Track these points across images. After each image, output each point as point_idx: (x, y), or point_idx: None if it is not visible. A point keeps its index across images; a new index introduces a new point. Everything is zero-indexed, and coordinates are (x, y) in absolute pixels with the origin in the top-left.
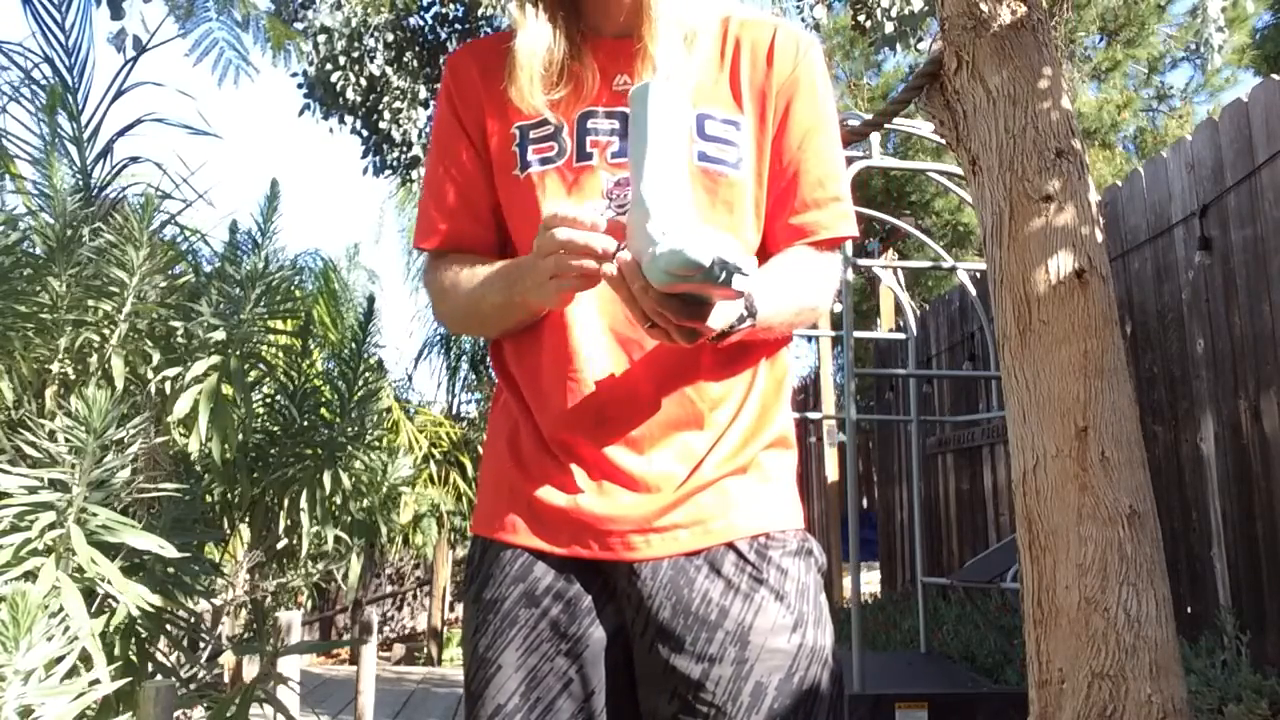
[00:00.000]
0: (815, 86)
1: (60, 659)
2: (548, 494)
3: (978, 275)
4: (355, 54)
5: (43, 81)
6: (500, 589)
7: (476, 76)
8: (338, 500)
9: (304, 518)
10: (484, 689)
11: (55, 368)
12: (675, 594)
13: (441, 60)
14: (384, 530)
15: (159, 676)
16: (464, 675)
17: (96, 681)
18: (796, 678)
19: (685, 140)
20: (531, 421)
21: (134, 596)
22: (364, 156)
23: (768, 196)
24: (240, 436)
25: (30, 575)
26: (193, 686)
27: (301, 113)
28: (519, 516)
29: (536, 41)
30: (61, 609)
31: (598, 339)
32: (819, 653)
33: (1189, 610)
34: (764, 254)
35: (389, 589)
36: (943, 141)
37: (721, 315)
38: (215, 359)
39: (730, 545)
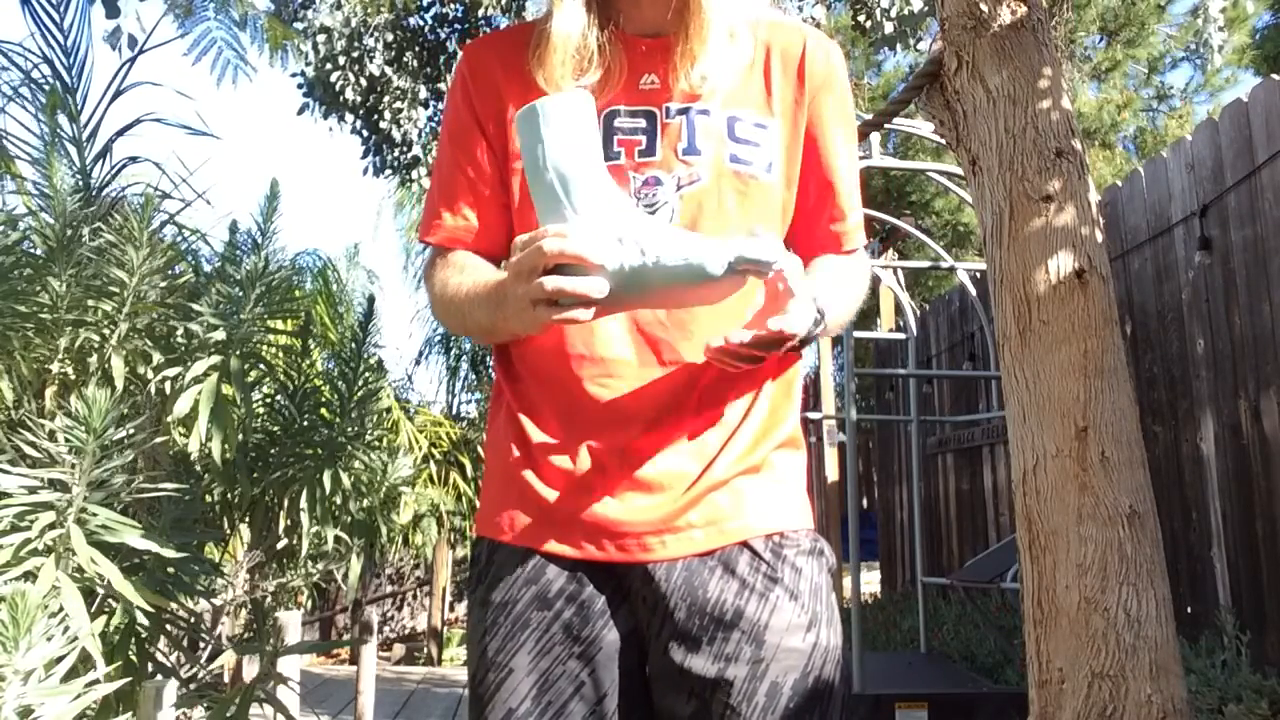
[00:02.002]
0: (845, 95)
1: (60, 659)
2: (560, 496)
3: (978, 275)
4: (355, 54)
5: (42, 82)
6: (511, 591)
7: (496, 67)
8: (338, 500)
9: (304, 518)
10: (494, 692)
11: (55, 368)
12: (690, 594)
13: (441, 60)
14: (384, 530)
15: (159, 676)
16: (470, 677)
17: (97, 681)
18: (811, 677)
19: (595, 150)
20: (540, 421)
21: (134, 596)
22: (364, 156)
23: (798, 199)
24: (240, 436)
25: (30, 575)
26: (193, 686)
27: (301, 112)
28: (530, 518)
29: (572, 25)
30: (61, 609)
31: (621, 338)
32: (832, 653)
33: (1189, 610)
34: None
35: (389, 589)
36: (943, 141)
37: (801, 321)
38: (215, 359)
39: (745, 544)
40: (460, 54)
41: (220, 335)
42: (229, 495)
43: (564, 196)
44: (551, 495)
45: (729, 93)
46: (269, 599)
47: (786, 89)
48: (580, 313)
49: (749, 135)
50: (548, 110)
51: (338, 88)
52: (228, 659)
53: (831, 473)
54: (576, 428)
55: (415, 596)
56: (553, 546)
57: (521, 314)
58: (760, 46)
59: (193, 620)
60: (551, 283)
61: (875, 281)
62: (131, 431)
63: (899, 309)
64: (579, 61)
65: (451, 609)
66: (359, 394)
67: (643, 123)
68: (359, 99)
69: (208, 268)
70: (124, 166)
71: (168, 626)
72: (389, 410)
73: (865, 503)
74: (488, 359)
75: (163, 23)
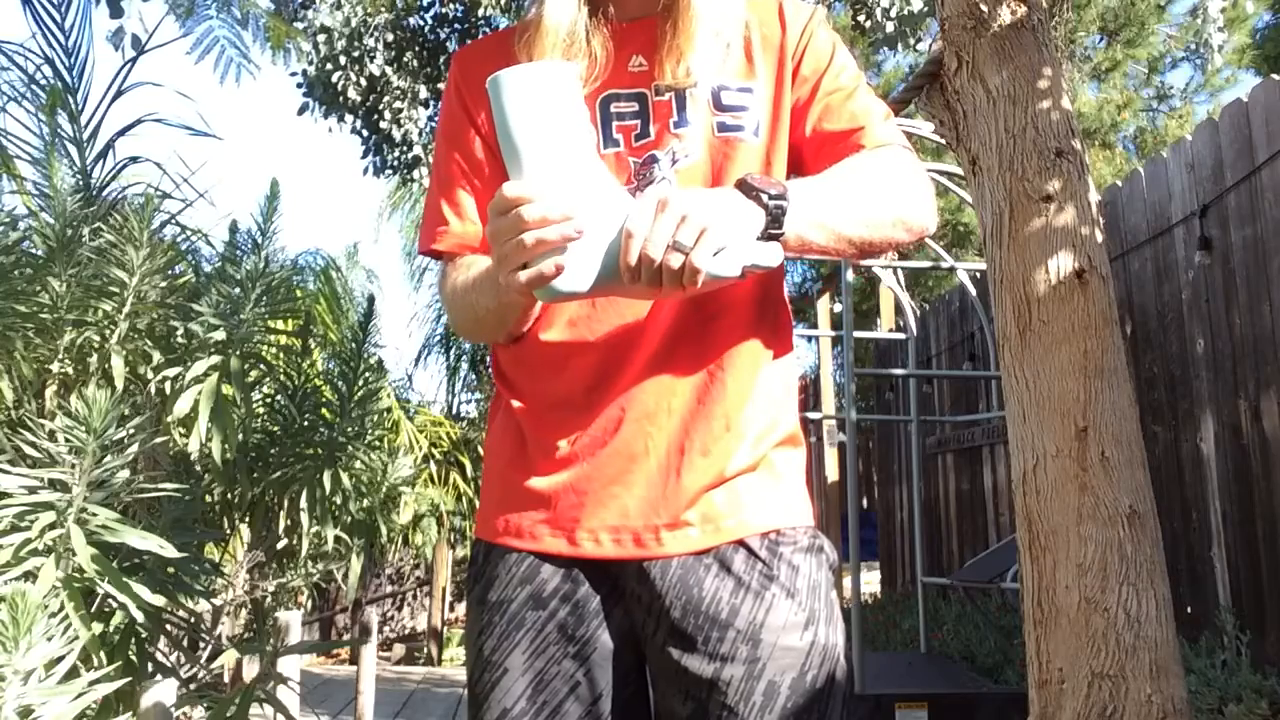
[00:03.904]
0: (831, 36)
1: (60, 659)
2: (556, 495)
3: (978, 275)
4: (355, 54)
5: (43, 82)
6: (506, 591)
7: (487, 69)
8: (338, 500)
9: (304, 518)
10: (490, 692)
11: (55, 368)
12: (685, 593)
13: (441, 60)
14: (384, 530)
15: (159, 676)
16: (467, 677)
17: (97, 681)
18: (809, 676)
19: (566, 121)
20: (536, 421)
21: (134, 596)
22: (364, 156)
23: (812, 146)
24: (240, 436)
25: (30, 575)
26: (193, 686)
27: (301, 112)
28: (526, 518)
29: (564, 13)
30: (62, 608)
31: (616, 335)
32: (831, 651)
33: (1189, 610)
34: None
35: (389, 589)
36: (943, 141)
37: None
38: (215, 359)
39: (741, 542)
40: (451, 61)
41: (220, 335)
42: (229, 495)
43: (531, 169)
44: (547, 494)
45: (712, 68)
46: (269, 599)
47: (768, 51)
48: (565, 282)
49: (735, 101)
50: (513, 79)
51: (338, 87)
52: (228, 659)
53: (831, 473)
54: (571, 427)
55: (415, 596)
56: (548, 545)
57: (508, 280)
58: (740, 24)
59: (193, 620)
60: (531, 236)
61: (875, 281)
62: (131, 431)
63: (899, 309)
64: (568, 48)
65: (451, 609)
66: (359, 394)
67: (635, 106)
68: (359, 99)
69: (208, 268)
70: (124, 166)
71: (168, 626)
72: (389, 410)
73: (865, 503)
74: (488, 358)
75: (165, 24)
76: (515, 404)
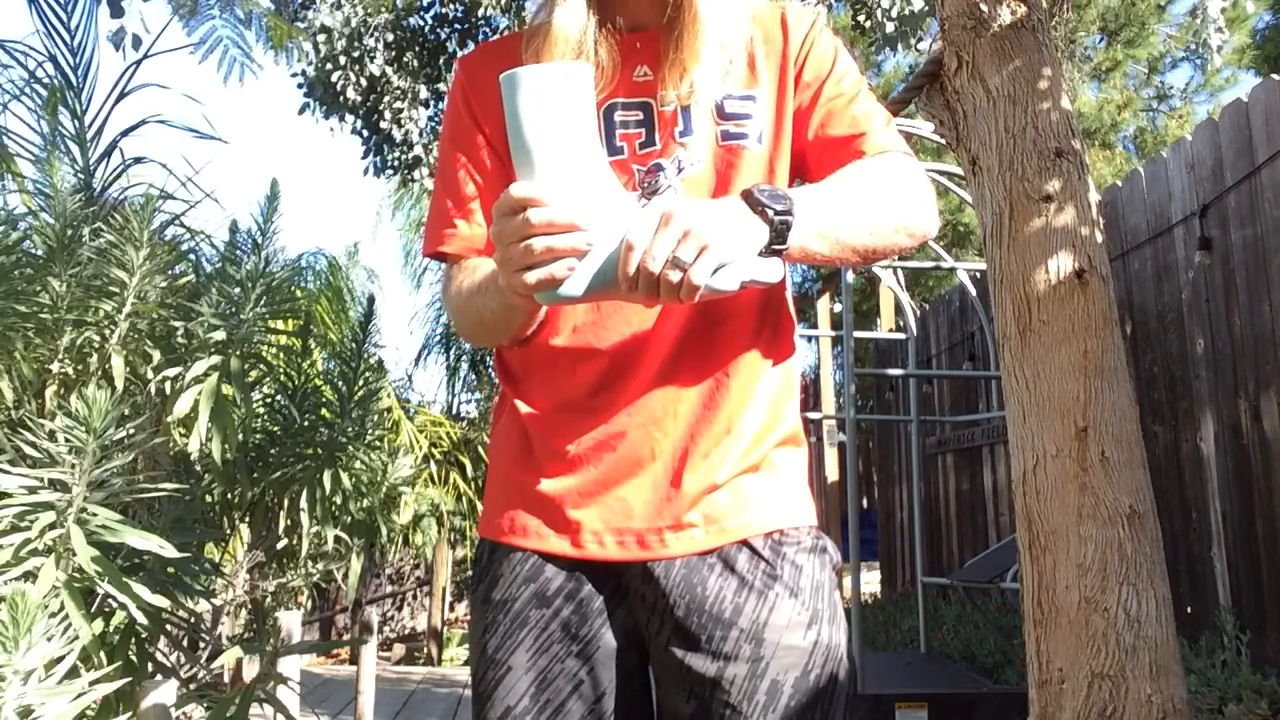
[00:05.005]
0: (833, 42)
1: (60, 659)
2: (560, 495)
3: (978, 275)
4: (355, 54)
5: (46, 81)
6: (510, 589)
7: (492, 74)
8: (338, 500)
9: (304, 518)
10: (493, 690)
11: (55, 368)
12: (689, 592)
13: (442, 60)
14: (384, 530)
15: (159, 676)
16: (471, 676)
17: (97, 681)
18: (812, 675)
19: (578, 123)
20: (540, 422)
21: (134, 596)
22: (364, 156)
23: (816, 152)
24: (240, 436)
25: (30, 575)
26: (193, 686)
27: (301, 112)
28: (530, 518)
29: (574, 20)
30: (62, 608)
31: (619, 336)
32: (834, 650)
33: (1189, 610)
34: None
35: (389, 589)
36: (943, 141)
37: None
38: (215, 359)
39: (744, 542)
40: (455, 65)
41: (220, 335)
42: (229, 495)
43: (541, 170)
44: (551, 494)
45: (714, 78)
46: (269, 599)
47: (771, 58)
48: (562, 286)
49: (738, 109)
50: (529, 77)
51: (338, 88)
52: (228, 659)
53: (831, 473)
54: (576, 427)
55: (415, 596)
56: (552, 545)
57: (511, 287)
58: (744, 35)
59: (193, 620)
60: (541, 243)
61: (875, 281)
62: (131, 431)
63: (899, 309)
64: (577, 56)
65: (451, 609)
66: (359, 394)
67: (640, 115)
68: (359, 99)
69: (208, 268)
70: (127, 166)
71: (168, 626)
72: (389, 410)
73: (865, 503)
74: (488, 358)
75: (171, 27)
76: (520, 405)
